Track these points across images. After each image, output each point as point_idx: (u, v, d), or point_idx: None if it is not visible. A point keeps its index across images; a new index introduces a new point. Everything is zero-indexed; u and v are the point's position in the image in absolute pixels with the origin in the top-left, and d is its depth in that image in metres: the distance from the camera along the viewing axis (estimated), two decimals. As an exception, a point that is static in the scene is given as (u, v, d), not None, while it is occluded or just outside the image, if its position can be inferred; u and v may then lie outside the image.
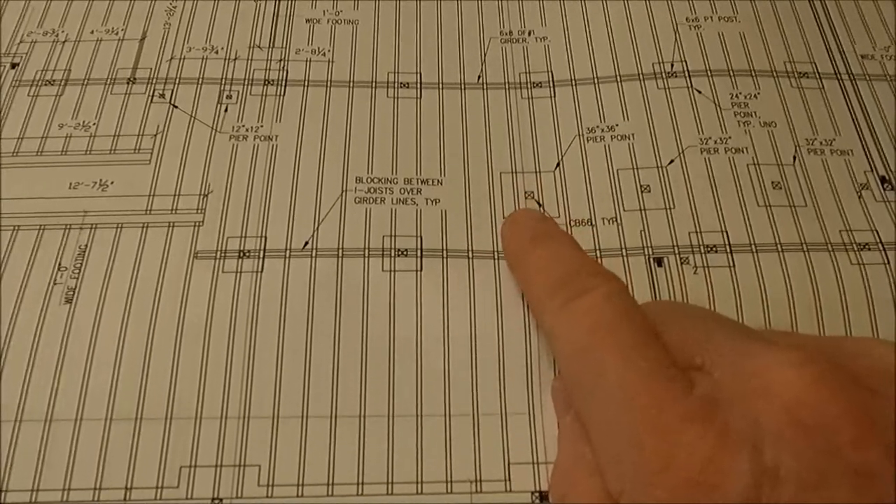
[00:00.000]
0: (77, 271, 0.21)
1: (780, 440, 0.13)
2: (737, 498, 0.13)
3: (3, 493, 0.18)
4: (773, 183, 0.23)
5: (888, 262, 0.22)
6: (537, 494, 0.19)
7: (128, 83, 0.25)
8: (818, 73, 0.26)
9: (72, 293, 0.21)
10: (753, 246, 0.22)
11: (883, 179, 0.23)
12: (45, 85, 0.25)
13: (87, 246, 0.22)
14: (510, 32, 0.27)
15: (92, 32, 0.26)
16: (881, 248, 0.22)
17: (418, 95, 0.25)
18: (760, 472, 0.13)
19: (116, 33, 0.26)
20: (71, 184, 0.23)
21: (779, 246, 0.22)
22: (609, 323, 0.16)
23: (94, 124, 0.24)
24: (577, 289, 0.17)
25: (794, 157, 0.24)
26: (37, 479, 0.18)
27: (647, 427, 0.14)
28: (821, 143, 0.24)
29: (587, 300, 0.17)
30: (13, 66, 0.25)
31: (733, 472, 0.13)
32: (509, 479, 0.19)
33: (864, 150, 0.24)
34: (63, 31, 0.26)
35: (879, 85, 0.26)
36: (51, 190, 0.23)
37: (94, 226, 0.22)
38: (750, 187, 0.23)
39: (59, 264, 0.21)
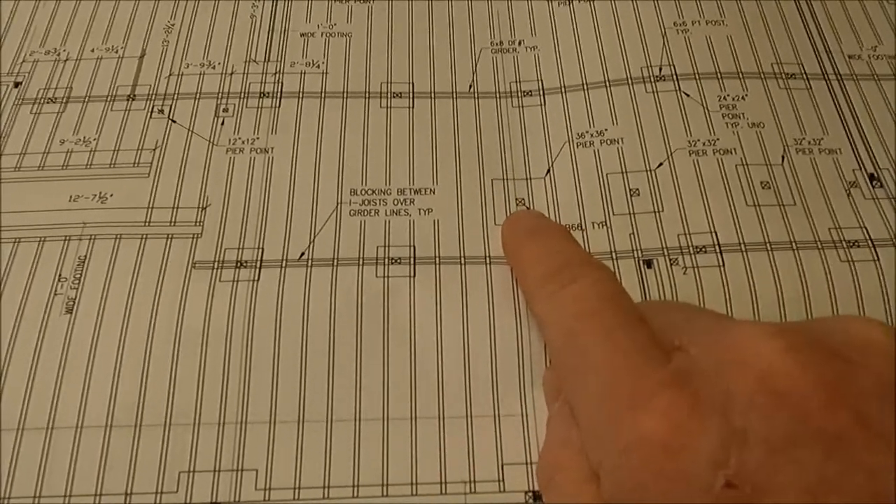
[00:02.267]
0: (77, 282, 0.22)
1: (750, 406, 0.13)
2: (705, 459, 0.13)
3: (6, 501, 0.19)
4: (761, 183, 0.23)
5: (877, 259, 0.22)
6: (531, 494, 0.19)
7: (127, 100, 0.26)
8: (805, 73, 0.26)
9: (72, 303, 0.21)
10: (743, 245, 0.22)
11: (871, 177, 0.24)
12: (48, 102, 0.26)
13: (86, 257, 0.22)
14: (500, 42, 0.27)
15: (93, 51, 0.27)
16: (870, 244, 0.22)
17: (411, 105, 0.25)
18: (729, 435, 0.13)
19: (116, 51, 0.27)
20: (71, 197, 0.23)
21: (768, 245, 0.22)
22: (594, 307, 0.17)
23: (94, 139, 0.25)
24: (566, 278, 0.18)
25: (783, 157, 0.24)
26: (38, 486, 0.19)
27: (623, 397, 0.15)
28: (809, 142, 0.24)
29: (575, 288, 0.17)
30: (16, 84, 0.26)
31: (702, 435, 0.13)
32: (503, 480, 0.19)
33: (852, 148, 0.24)
34: (65, 50, 0.27)
35: (867, 84, 0.26)
36: (51, 203, 0.23)
37: (93, 237, 0.22)
38: (739, 188, 0.23)
39: (60, 275, 0.22)
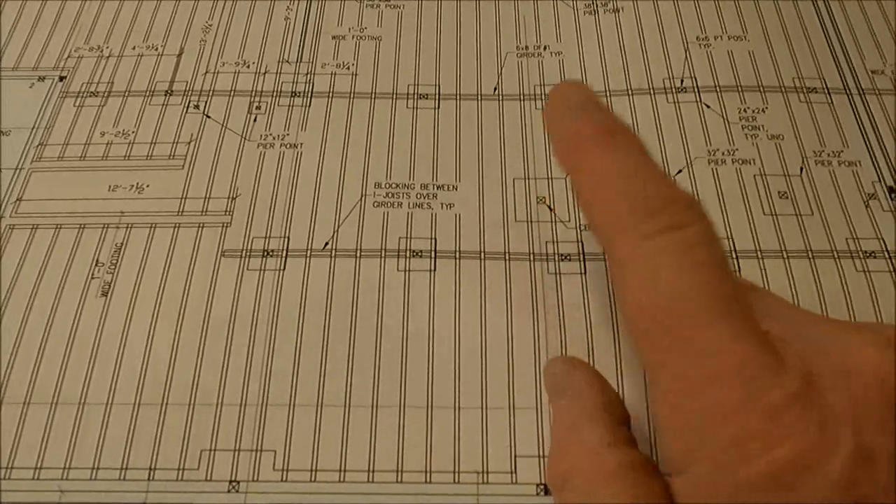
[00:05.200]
0: (113, 267, 0.23)
1: (874, 421, 0.13)
2: (836, 478, 0.13)
3: (38, 471, 0.19)
4: (779, 193, 0.24)
5: (894, 271, 0.22)
6: (542, 487, 0.19)
7: (165, 95, 0.27)
8: (827, 88, 0.26)
9: (107, 287, 0.22)
10: (759, 252, 0.22)
11: (891, 189, 0.24)
12: (90, 96, 0.27)
13: (122, 244, 0.23)
14: (526, 47, 0.28)
15: (133, 48, 0.28)
16: (887, 256, 0.22)
17: (436, 106, 0.26)
18: (858, 453, 0.13)
19: (156, 49, 0.28)
20: (110, 186, 0.24)
21: (784, 252, 0.22)
22: (706, 270, 0.14)
23: (133, 132, 0.26)
24: (670, 220, 0.15)
25: (802, 169, 0.24)
26: (69, 458, 0.20)
27: (747, 400, 0.13)
28: (829, 154, 0.25)
29: (682, 237, 0.15)
30: (61, 78, 0.27)
31: (834, 453, 0.13)
32: (515, 472, 0.19)
33: (872, 161, 0.25)
34: (107, 47, 0.28)
35: (889, 99, 0.26)
36: (91, 192, 0.24)
37: (129, 225, 0.23)
38: (756, 197, 0.24)
39: (97, 260, 0.23)
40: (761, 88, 0.26)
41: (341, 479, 0.19)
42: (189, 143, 0.25)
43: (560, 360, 0.20)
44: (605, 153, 0.16)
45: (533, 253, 0.23)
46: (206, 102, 0.26)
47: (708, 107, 0.26)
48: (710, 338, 0.14)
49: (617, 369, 0.20)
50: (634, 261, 0.15)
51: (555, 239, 0.23)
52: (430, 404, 0.20)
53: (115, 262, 0.23)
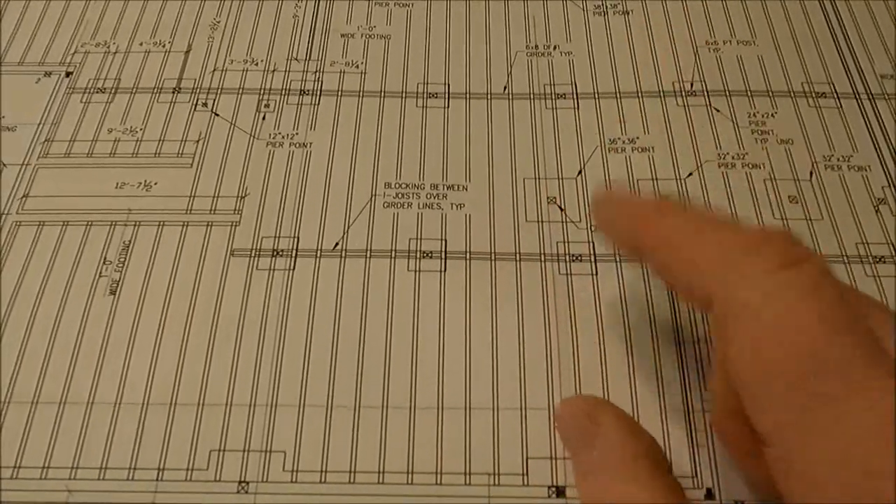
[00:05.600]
0: (121, 265, 0.22)
1: None
2: None
3: (45, 470, 0.19)
4: (789, 197, 0.24)
5: (904, 275, 0.22)
6: (553, 489, 0.19)
7: (173, 92, 0.27)
8: (836, 93, 0.27)
9: (115, 285, 0.22)
10: (769, 256, 0.22)
11: (900, 195, 0.24)
12: (97, 92, 0.27)
13: (130, 242, 0.23)
14: (536, 46, 0.28)
15: (141, 45, 0.28)
16: (897, 260, 0.22)
17: (446, 105, 0.26)
18: None
19: (164, 46, 0.28)
20: (118, 184, 0.24)
21: (795, 256, 0.22)
22: (846, 312, 0.13)
23: (140, 130, 0.26)
24: (789, 254, 0.13)
25: (811, 173, 0.24)
26: (76, 458, 0.19)
27: None
28: (838, 159, 0.25)
29: (809, 272, 0.13)
30: (67, 74, 0.27)
31: None
32: (527, 474, 0.19)
33: (882, 166, 0.25)
34: (114, 43, 0.28)
35: (898, 104, 0.26)
36: (98, 189, 0.24)
37: (137, 223, 0.23)
38: (766, 201, 0.24)
39: (105, 258, 0.23)
40: (770, 93, 0.26)
41: (351, 481, 0.19)
42: (197, 141, 0.25)
43: (577, 401, 0.18)
44: (676, 215, 0.16)
45: (544, 254, 0.23)
46: (214, 100, 0.26)
47: (717, 111, 0.26)
48: (863, 390, 0.12)
49: (629, 373, 0.20)
50: (757, 303, 0.13)
51: (566, 239, 0.23)
52: (440, 405, 0.20)
53: (123, 260, 0.23)
